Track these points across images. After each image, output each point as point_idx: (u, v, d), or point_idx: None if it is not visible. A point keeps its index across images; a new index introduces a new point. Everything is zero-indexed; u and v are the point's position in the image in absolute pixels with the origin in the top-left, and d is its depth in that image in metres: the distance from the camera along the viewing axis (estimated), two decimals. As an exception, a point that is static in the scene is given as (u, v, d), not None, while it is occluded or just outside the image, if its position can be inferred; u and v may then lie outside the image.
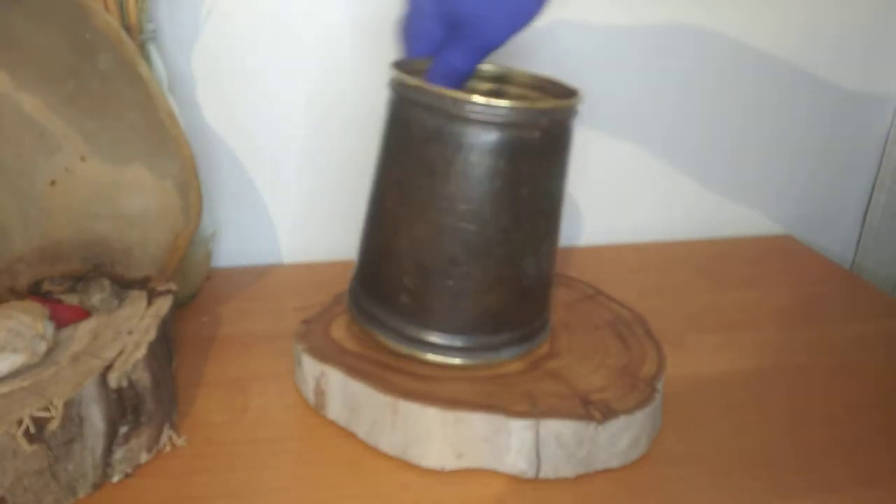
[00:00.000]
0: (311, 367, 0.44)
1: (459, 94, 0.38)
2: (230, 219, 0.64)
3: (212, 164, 0.62)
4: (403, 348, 0.44)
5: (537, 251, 0.43)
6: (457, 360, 0.43)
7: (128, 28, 0.49)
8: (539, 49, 0.63)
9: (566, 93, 0.43)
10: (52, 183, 0.47)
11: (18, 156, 0.46)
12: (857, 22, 0.70)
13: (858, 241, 0.78)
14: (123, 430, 0.39)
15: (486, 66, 0.47)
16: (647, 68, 0.67)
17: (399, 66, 0.42)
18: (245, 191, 0.64)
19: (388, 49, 0.61)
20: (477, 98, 0.38)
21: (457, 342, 0.43)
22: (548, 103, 0.40)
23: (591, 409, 0.40)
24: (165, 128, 0.45)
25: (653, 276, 0.64)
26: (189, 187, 0.46)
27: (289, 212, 0.65)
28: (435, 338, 0.43)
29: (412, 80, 0.40)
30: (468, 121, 0.39)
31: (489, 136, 0.39)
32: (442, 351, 0.43)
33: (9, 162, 0.46)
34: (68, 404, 0.36)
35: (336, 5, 0.60)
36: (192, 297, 0.57)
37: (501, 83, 0.48)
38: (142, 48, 0.50)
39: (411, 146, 0.41)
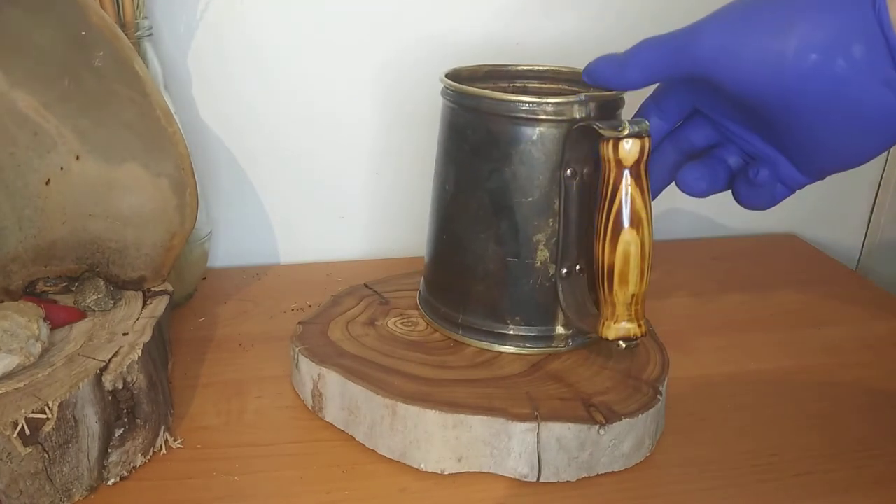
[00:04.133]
0: (308, 369, 0.44)
1: (517, 97, 0.41)
2: (227, 218, 0.64)
3: (208, 162, 0.61)
4: (497, 346, 0.45)
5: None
6: (562, 348, 0.45)
7: (123, 25, 0.49)
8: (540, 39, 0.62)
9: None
10: (47, 182, 0.46)
11: (13, 155, 0.45)
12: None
13: (864, 241, 0.78)
14: (119, 432, 0.39)
15: (526, 66, 0.49)
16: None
17: (451, 76, 0.45)
18: (242, 190, 0.64)
19: (388, 45, 0.61)
20: (530, 98, 0.41)
21: (534, 332, 0.45)
22: (599, 93, 0.41)
23: (594, 412, 0.40)
24: (161, 126, 0.44)
25: (656, 276, 0.64)
26: (185, 186, 0.46)
27: (286, 211, 0.65)
28: (519, 330, 0.45)
29: (486, 92, 0.42)
30: (529, 120, 0.41)
31: (545, 130, 0.41)
32: (532, 342, 0.45)
33: (3, 161, 0.45)
34: (63, 406, 0.36)
35: (334, 2, 0.59)
36: (188, 298, 0.57)
37: (531, 80, 0.50)
38: (137, 45, 0.50)
39: (474, 149, 0.43)
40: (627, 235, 0.39)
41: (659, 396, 0.42)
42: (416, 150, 0.63)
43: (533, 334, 0.45)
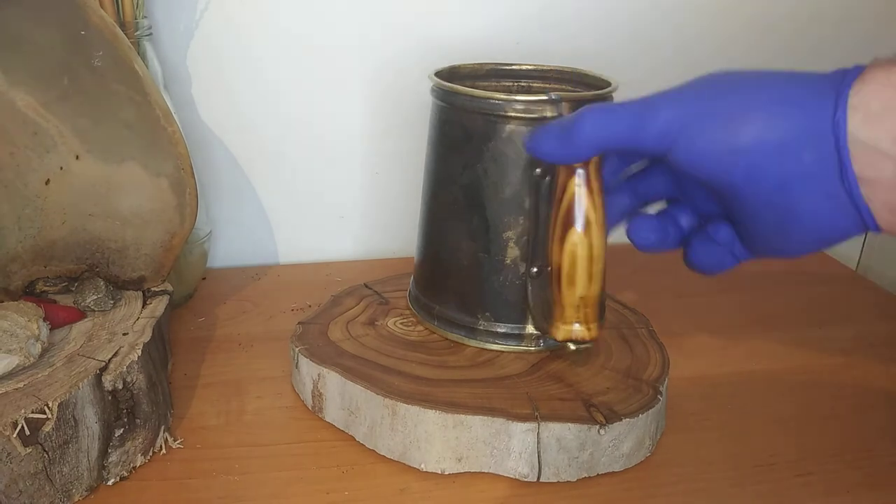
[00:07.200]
0: (308, 369, 0.44)
1: (488, 93, 0.42)
2: (226, 218, 0.64)
3: (208, 162, 0.61)
4: (466, 339, 0.46)
5: None
6: (531, 348, 0.45)
7: (123, 25, 0.49)
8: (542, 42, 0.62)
9: (601, 83, 0.46)
10: (47, 182, 0.46)
11: (12, 154, 0.45)
12: (862, 20, 0.69)
13: (864, 241, 0.77)
14: (118, 432, 0.39)
15: (525, 66, 0.50)
16: (647, 66, 0.66)
17: (440, 74, 0.46)
18: (241, 190, 0.63)
19: (388, 45, 0.61)
20: (520, 97, 0.41)
21: (504, 329, 0.45)
22: (572, 92, 0.42)
23: (594, 412, 0.40)
24: (161, 126, 0.44)
25: (657, 277, 0.64)
26: (184, 186, 0.46)
27: (285, 211, 0.65)
28: (488, 325, 0.45)
29: (460, 88, 0.43)
30: (500, 117, 0.41)
31: (516, 128, 0.41)
32: (501, 339, 0.45)
33: (2, 161, 0.45)
34: (63, 406, 0.36)
35: (333, 2, 0.59)
36: (187, 298, 0.57)
37: (535, 80, 0.50)
38: (137, 45, 0.50)
39: (451, 145, 0.44)
40: (575, 236, 0.38)
41: (659, 396, 0.42)
42: (415, 150, 0.63)
43: (502, 331, 0.45)
